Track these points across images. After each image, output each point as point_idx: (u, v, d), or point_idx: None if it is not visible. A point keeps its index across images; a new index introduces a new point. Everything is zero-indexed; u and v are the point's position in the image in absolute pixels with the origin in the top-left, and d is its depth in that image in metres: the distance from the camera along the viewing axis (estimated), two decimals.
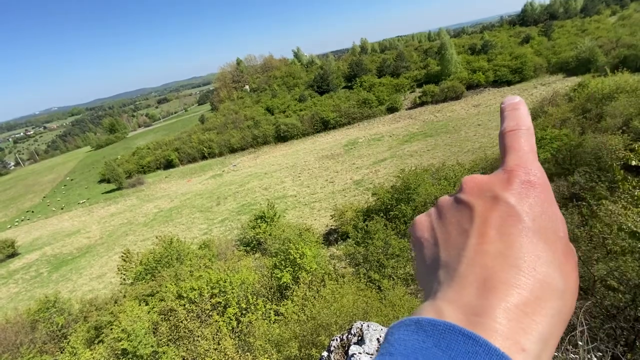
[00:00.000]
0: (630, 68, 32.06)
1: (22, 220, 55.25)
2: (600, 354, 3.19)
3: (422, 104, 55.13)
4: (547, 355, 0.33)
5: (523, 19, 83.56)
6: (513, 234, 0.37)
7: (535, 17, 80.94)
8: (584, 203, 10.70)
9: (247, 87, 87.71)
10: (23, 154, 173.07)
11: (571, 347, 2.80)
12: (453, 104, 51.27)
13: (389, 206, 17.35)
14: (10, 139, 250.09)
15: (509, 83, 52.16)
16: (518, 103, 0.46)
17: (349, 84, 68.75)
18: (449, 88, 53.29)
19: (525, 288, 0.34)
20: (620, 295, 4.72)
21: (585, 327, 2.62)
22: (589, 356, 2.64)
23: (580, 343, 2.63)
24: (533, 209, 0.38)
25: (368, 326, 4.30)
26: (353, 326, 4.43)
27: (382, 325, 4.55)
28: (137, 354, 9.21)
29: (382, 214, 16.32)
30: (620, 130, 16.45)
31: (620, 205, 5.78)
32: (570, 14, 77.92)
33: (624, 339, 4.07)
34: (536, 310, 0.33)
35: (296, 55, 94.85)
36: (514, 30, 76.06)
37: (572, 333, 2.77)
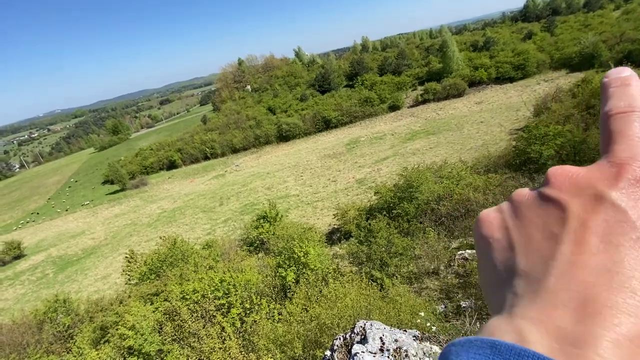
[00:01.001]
0: (634, 63, 31.81)
1: (27, 222, 55.70)
2: None
3: (424, 101, 54.96)
4: None
5: (525, 14, 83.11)
6: (624, 245, 0.28)
7: (537, 13, 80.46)
8: None
9: (248, 87, 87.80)
10: (27, 156, 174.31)
11: None
12: (455, 102, 51.05)
13: (391, 205, 17.34)
14: (14, 142, 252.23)
15: (511, 80, 51.87)
16: (629, 77, 0.36)
17: (351, 83, 68.61)
18: (451, 85, 53.07)
19: None
20: None
21: None
22: None
23: None
24: None
25: (371, 325, 4.31)
26: (356, 325, 4.45)
27: (385, 324, 4.55)
28: (143, 351, 9.27)
29: (384, 213, 16.30)
30: None
31: None
32: (573, 9, 77.34)
33: None
34: None
35: (297, 54, 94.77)
36: (516, 26, 75.62)
37: None
